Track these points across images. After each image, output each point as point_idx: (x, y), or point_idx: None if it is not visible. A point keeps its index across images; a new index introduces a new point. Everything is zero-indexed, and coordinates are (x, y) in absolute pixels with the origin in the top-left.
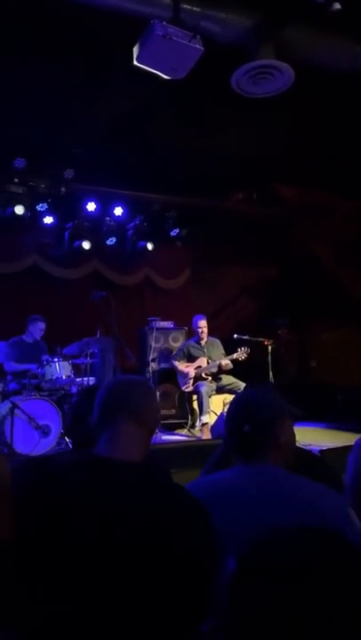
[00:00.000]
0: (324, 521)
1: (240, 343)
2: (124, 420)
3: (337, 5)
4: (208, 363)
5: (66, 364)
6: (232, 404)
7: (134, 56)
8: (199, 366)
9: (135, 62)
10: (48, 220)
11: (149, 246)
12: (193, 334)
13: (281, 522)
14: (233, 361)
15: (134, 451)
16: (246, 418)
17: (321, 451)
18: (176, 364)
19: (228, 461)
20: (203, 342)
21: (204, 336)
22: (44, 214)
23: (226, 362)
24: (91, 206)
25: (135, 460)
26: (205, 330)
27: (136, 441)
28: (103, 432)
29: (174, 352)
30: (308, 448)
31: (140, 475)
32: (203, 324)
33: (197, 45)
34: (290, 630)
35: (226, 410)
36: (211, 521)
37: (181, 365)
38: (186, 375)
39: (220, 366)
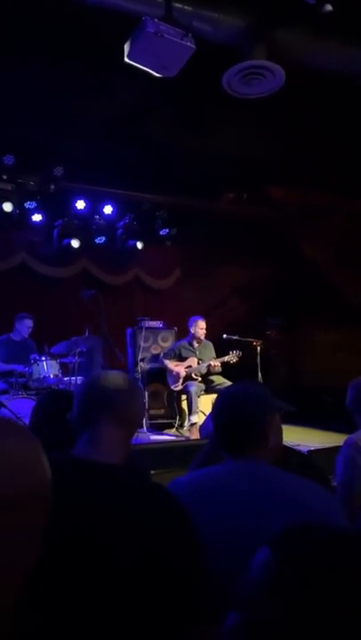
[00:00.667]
0: (313, 518)
1: (229, 343)
2: (106, 420)
3: (328, 7)
4: (198, 364)
5: (54, 362)
6: (219, 397)
7: (125, 53)
8: (189, 366)
9: (126, 59)
10: (37, 217)
11: (139, 245)
12: (185, 334)
13: (270, 519)
14: (224, 363)
15: (116, 453)
16: (235, 412)
17: (310, 451)
18: (166, 362)
19: (214, 459)
20: (196, 344)
21: (202, 337)
22: (32, 212)
23: (215, 363)
24: (80, 204)
25: (117, 463)
26: (204, 332)
27: (118, 442)
28: (83, 432)
29: (165, 350)
30: (296, 448)
31: (121, 477)
32: (203, 325)
33: (189, 43)
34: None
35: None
36: (192, 521)
37: (171, 364)
38: (176, 374)
39: (209, 367)
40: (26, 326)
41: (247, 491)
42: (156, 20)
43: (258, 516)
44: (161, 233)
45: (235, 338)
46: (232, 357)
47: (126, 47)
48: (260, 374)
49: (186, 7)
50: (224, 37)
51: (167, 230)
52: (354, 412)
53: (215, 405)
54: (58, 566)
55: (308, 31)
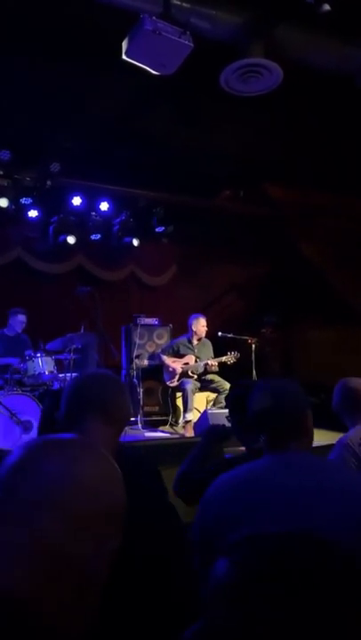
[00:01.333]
0: None
1: (224, 341)
2: (94, 418)
3: (326, 7)
4: (196, 361)
5: (49, 359)
6: (259, 392)
7: (123, 50)
8: (186, 363)
9: (124, 57)
10: (33, 213)
11: (135, 242)
12: (181, 332)
13: (327, 510)
14: (221, 364)
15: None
16: (282, 406)
17: None
18: (164, 357)
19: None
20: (195, 342)
21: (203, 335)
22: (28, 208)
23: (212, 363)
24: (76, 200)
25: None
26: (204, 331)
27: (105, 440)
28: (71, 430)
29: (164, 346)
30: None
31: None
32: (204, 322)
33: (187, 42)
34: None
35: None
36: (180, 522)
37: (169, 360)
38: (172, 370)
39: (206, 366)
40: (19, 321)
41: (300, 482)
42: (154, 17)
43: (315, 508)
44: (157, 230)
45: (230, 336)
46: (230, 358)
47: (124, 45)
48: (254, 372)
49: (184, 4)
50: (222, 35)
51: (163, 227)
52: (341, 413)
53: (257, 399)
54: None
55: (305, 29)
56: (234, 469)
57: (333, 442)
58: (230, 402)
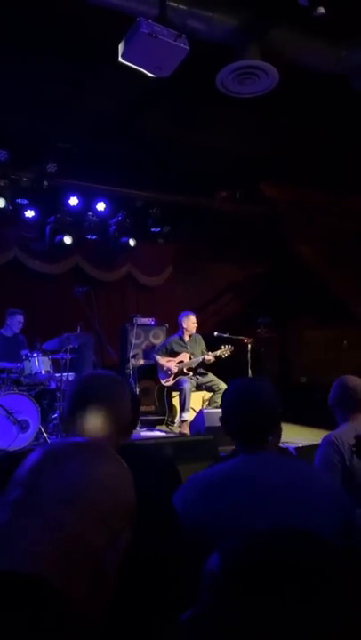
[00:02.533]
0: (329, 502)
1: (220, 341)
2: (95, 417)
3: (321, 10)
4: (190, 358)
5: (45, 359)
6: (233, 392)
7: (120, 53)
8: (181, 361)
9: (120, 59)
10: (30, 213)
11: (132, 242)
12: (176, 330)
13: (298, 506)
14: (216, 358)
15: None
16: (258, 406)
17: (297, 448)
18: (158, 357)
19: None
20: (187, 339)
21: (193, 331)
22: (25, 208)
23: (208, 357)
24: (73, 201)
25: None
26: (195, 327)
27: (105, 439)
28: (72, 429)
29: (157, 347)
30: (284, 446)
31: None
32: (194, 319)
33: (183, 45)
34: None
35: (213, 403)
36: (178, 520)
37: (163, 360)
38: (168, 370)
39: (202, 361)
40: (17, 322)
41: (276, 481)
42: (150, 20)
43: (287, 505)
44: (154, 230)
45: (226, 335)
46: (225, 351)
47: (120, 47)
48: (250, 371)
49: (181, 6)
50: (218, 37)
51: (160, 228)
52: (335, 409)
53: (229, 400)
54: None
55: (301, 31)
56: (206, 469)
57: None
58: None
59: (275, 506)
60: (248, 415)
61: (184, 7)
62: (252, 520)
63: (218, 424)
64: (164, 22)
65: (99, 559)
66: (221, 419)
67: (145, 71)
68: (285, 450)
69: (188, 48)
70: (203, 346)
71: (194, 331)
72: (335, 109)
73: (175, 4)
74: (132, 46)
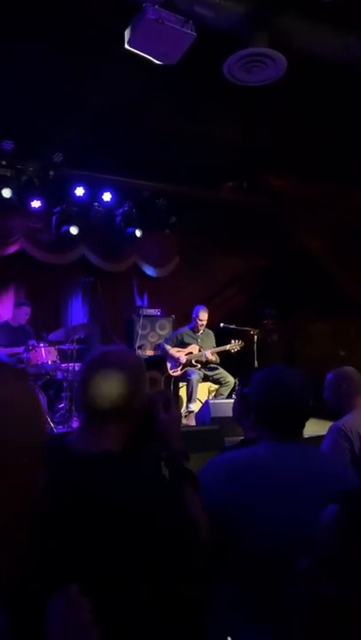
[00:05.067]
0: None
1: (226, 332)
2: (101, 411)
3: None
4: (200, 351)
5: (52, 349)
6: (269, 379)
7: (126, 39)
8: (190, 352)
9: (126, 46)
10: (36, 204)
11: (138, 233)
12: (184, 323)
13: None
14: (225, 352)
15: (108, 443)
16: (294, 394)
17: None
18: (167, 347)
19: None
20: (199, 332)
21: (203, 328)
22: (31, 198)
23: (210, 357)
24: (79, 191)
25: (112, 451)
26: (205, 322)
27: (112, 434)
28: (80, 416)
29: (167, 336)
30: None
31: (107, 468)
32: (204, 316)
33: (190, 31)
34: None
35: (219, 395)
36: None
37: (173, 350)
38: (177, 360)
39: (207, 360)
40: (24, 313)
41: (301, 469)
42: (156, 6)
43: (312, 492)
44: (160, 221)
45: (232, 327)
46: (234, 346)
47: (127, 34)
48: (256, 363)
49: None
50: (225, 23)
51: (166, 218)
52: (337, 402)
53: (263, 386)
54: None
55: (309, 18)
56: (232, 452)
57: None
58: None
59: (300, 493)
60: (281, 403)
61: None
62: (274, 506)
63: (224, 415)
64: (170, 8)
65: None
66: (255, 407)
67: (151, 58)
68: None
69: (194, 34)
70: (213, 342)
71: (202, 328)
72: (344, 99)
73: None
74: (138, 33)
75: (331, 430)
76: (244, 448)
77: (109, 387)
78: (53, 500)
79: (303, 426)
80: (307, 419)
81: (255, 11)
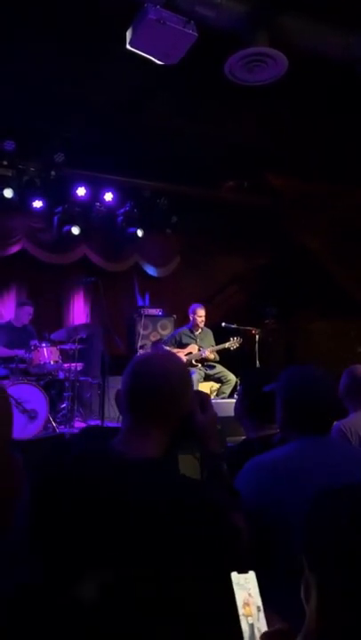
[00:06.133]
0: None
1: (228, 332)
2: (148, 415)
3: None
4: (199, 350)
5: (54, 349)
6: (296, 378)
7: (127, 40)
8: (190, 352)
9: (128, 46)
10: (37, 204)
11: (139, 233)
12: (186, 322)
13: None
14: (224, 350)
15: (152, 447)
16: (328, 394)
17: None
18: (167, 349)
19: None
20: (197, 332)
21: (201, 325)
22: (33, 198)
23: (209, 355)
24: (81, 191)
25: (151, 457)
26: (203, 319)
27: (157, 437)
28: (124, 423)
29: (166, 337)
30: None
31: (150, 475)
32: (201, 312)
33: (191, 31)
34: None
35: (220, 394)
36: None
37: (172, 351)
38: None
39: (206, 358)
40: (26, 313)
41: (338, 465)
42: (158, 6)
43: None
44: (161, 221)
45: (233, 326)
46: (233, 344)
47: (128, 34)
48: (257, 362)
49: None
50: (227, 23)
51: (168, 218)
52: (345, 399)
53: (294, 386)
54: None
55: (309, 17)
56: (267, 454)
57: None
58: (245, 387)
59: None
60: (316, 400)
61: None
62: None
63: (225, 414)
64: (172, 8)
65: None
66: (286, 406)
67: (153, 58)
68: None
69: (196, 34)
70: (212, 341)
71: (201, 324)
72: (345, 98)
73: None
74: (139, 33)
75: (332, 430)
76: (279, 448)
77: (157, 390)
78: (102, 508)
79: (333, 422)
80: (337, 414)
81: (256, 10)
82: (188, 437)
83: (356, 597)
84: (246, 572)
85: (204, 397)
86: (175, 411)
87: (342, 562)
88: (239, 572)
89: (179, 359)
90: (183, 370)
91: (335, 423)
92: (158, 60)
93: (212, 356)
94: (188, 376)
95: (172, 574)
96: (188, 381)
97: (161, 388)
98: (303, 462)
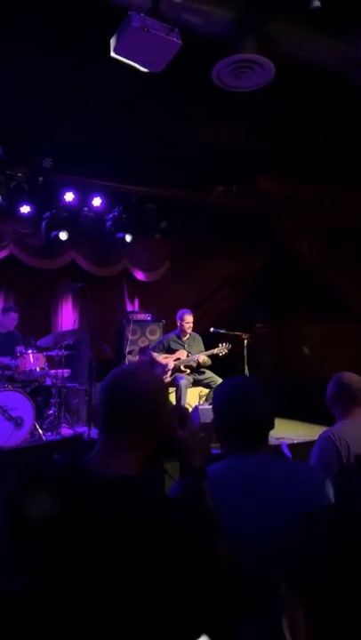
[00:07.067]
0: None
1: (217, 337)
2: (124, 431)
3: (317, 3)
4: (187, 356)
5: (40, 355)
6: (229, 394)
7: (112, 47)
8: (178, 358)
9: (112, 54)
10: (25, 209)
11: (128, 238)
12: (174, 327)
13: (295, 504)
14: (213, 356)
15: (128, 464)
16: (256, 406)
17: (290, 445)
18: (155, 354)
19: None
20: (185, 337)
21: (189, 331)
22: (21, 203)
23: (204, 358)
24: (69, 196)
25: (129, 475)
26: (191, 325)
27: (133, 454)
28: (100, 437)
29: (154, 343)
30: (278, 442)
31: (125, 492)
32: (189, 319)
33: (175, 39)
34: None
35: (209, 399)
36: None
37: (160, 357)
38: (164, 366)
39: (198, 362)
40: (11, 319)
41: (270, 482)
42: (142, 14)
43: (288, 503)
44: (150, 225)
45: (222, 331)
46: (222, 350)
47: (112, 41)
48: (246, 368)
49: None
50: (214, 30)
51: (156, 223)
52: (333, 406)
53: (225, 401)
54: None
55: (297, 25)
56: (215, 465)
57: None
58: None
59: (269, 507)
60: (244, 415)
61: (178, 0)
62: (244, 520)
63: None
64: (156, 16)
65: None
66: (213, 420)
67: (138, 66)
68: (278, 447)
69: (180, 42)
70: (201, 346)
71: (189, 331)
72: (333, 103)
73: None
74: (124, 40)
75: (320, 438)
76: (213, 464)
77: (134, 406)
78: (76, 527)
79: (266, 436)
80: (269, 428)
81: (243, 17)
82: (169, 453)
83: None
84: None
85: (183, 412)
86: (152, 427)
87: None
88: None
89: (156, 374)
90: (160, 385)
91: (325, 431)
92: (143, 67)
93: (208, 362)
94: (166, 391)
95: (138, 600)
96: (166, 397)
97: (138, 404)
98: (230, 481)
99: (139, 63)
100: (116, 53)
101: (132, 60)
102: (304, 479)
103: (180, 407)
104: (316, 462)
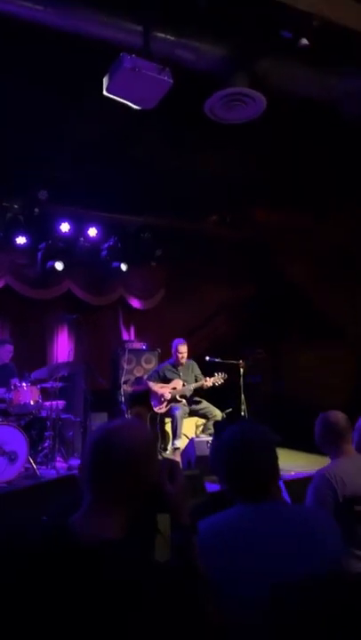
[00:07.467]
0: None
1: (212, 366)
2: (110, 491)
3: (304, 41)
4: (183, 385)
5: (34, 388)
6: (230, 441)
7: (104, 86)
8: (174, 388)
9: (105, 92)
10: (21, 240)
11: (123, 267)
12: (169, 356)
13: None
14: (209, 388)
15: (112, 527)
16: (257, 455)
17: (285, 482)
18: (150, 384)
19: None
20: (180, 366)
21: (183, 361)
22: (17, 234)
23: (207, 383)
24: (64, 227)
25: (112, 539)
26: (185, 355)
27: (119, 516)
28: (87, 497)
29: (149, 372)
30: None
31: (105, 560)
32: (183, 349)
33: (166, 78)
34: None
35: (206, 430)
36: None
37: (156, 386)
38: (160, 396)
39: (201, 387)
40: (7, 351)
41: (276, 533)
42: (133, 55)
43: (289, 557)
44: (145, 254)
45: (217, 360)
46: (218, 379)
47: (105, 81)
48: (242, 396)
49: (168, 36)
50: (206, 65)
51: (152, 252)
52: (322, 446)
53: (228, 451)
54: None
55: (287, 61)
56: (210, 518)
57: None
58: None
59: (276, 558)
60: (251, 465)
61: (171, 37)
62: (252, 573)
63: (207, 453)
64: (147, 56)
65: None
66: (216, 468)
67: (130, 103)
68: None
69: (171, 81)
70: (197, 371)
71: (182, 360)
72: (323, 134)
73: (162, 35)
74: (115, 80)
75: (316, 476)
76: (220, 513)
77: (120, 465)
78: (51, 597)
79: (272, 483)
80: (274, 476)
81: (234, 54)
82: (159, 509)
83: None
84: None
85: (173, 466)
86: (139, 484)
87: None
88: None
89: (143, 428)
90: (147, 440)
91: (320, 469)
92: (135, 104)
93: (210, 384)
94: (154, 447)
95: None
96: (154, 452)
97: (121, 462)
98: (240, 532)
99: (131, 101)
100: (109, 93)
101: (125, 99)
102: (314, 533)
103: (169, 461)
104: (312, 501)
